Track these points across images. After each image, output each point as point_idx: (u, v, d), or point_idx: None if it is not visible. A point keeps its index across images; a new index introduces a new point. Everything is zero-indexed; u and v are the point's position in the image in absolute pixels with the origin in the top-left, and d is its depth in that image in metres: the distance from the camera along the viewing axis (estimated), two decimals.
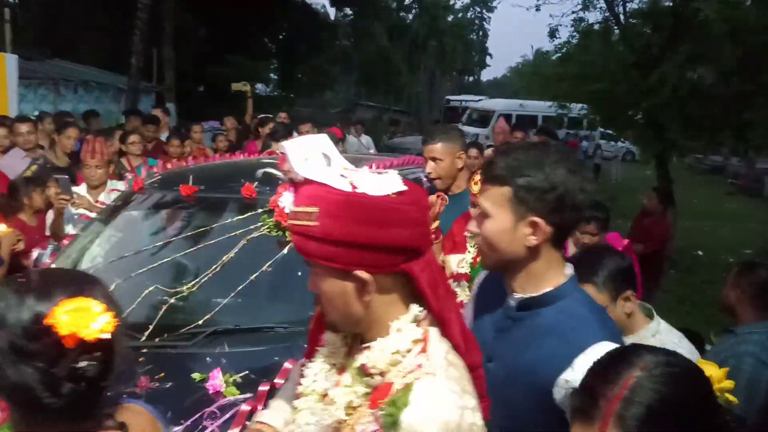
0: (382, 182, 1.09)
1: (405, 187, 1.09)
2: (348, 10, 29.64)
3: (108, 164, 4.01)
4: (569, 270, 1.41)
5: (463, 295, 2.40)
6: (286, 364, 2.08)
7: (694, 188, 14.77)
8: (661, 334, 2.01)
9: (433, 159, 2.95)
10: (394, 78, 31.20)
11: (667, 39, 7.52)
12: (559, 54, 10.37)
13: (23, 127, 4.91)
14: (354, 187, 1.06)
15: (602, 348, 1.15)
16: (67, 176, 3.62)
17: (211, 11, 18.29)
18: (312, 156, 1.13)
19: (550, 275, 1.37)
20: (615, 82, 7.86)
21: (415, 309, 1.11)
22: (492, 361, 1.37)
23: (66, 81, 12.72)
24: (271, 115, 7.48)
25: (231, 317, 2.40)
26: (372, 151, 9.05)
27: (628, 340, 1.81)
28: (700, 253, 8.79)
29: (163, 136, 6.42)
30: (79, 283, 0.99)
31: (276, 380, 2.01)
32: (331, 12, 30.17)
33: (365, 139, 9.57)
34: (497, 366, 1.37)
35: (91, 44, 17.43)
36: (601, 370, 0.99)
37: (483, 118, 20.74)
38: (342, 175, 1.09)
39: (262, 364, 2.14)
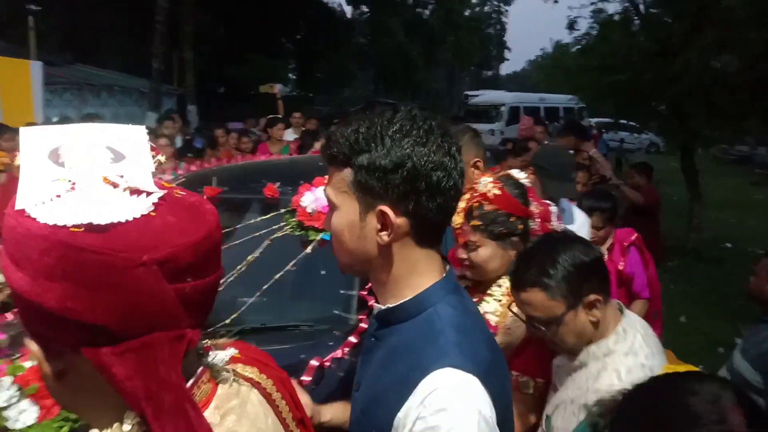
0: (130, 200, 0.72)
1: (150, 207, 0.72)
2: (364, 7, 29.62)
3: None
4: (444, 272, 1.09)
5: None
6: (312, 362, 2.10)
7: (721, 179, 14.50)
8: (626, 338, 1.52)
9: None
10: (412, 74, 31.13)
11: (690, 27, 7.39)
12: (579, 46, 10.25)
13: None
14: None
15: (439, 378, 0.93)
16: None
17: (229, 12, 18.44)
18: (80, 150, 0.76)
19: (414, 281, 1.05)
20: (637, 73, 7.75)
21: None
22: (359, 390, 1.14)
23: (90, 86, 12.94)
24: (280, 116, 7.48)
25: (257, 316, 2.43)
26: None
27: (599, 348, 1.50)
28: (728, 245, 8.63)
29: (177, 140, 6.50)
30: None
31: (303, 378, 2.04)
32: (348, 10, 30.21)
33: None
34: (360, 395, 1.13)
35: (114, 49, 17.71)
36: None
37: (485, 114, 20.29)
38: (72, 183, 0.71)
39: (290, 362, 2.15)
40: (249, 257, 2.64)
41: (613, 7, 15.08)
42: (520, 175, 1.93)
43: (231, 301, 2.49)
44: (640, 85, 7.81)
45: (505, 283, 1.80)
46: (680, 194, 8.96)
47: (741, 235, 9.13)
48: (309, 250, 2.63)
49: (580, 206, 3.01)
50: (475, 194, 1.84)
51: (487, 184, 1.84)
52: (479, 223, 1.80)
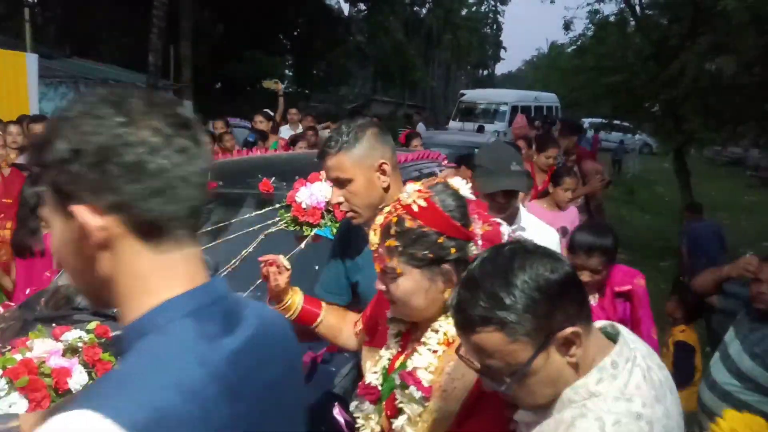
0: None
1: None
2: (362, 5, 29.61)
3: None
4: (198, 282, 0.79)
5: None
6: (304, 358, 2.11)
7: (713, 181, 14.57)
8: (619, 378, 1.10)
9: (337, 180, 1.80)
10: (409, 73, 31.17)
11: (687, 30, 7.43)
12: (574, 46, 10.31)
13: (37, 127, 4.98)
14: None
15: (63, 422, 0.64)
16: None
17: (227, 8, 18.41)
18: None
19: (142, 300, 0.76)
20: (632, 74, 7.79)
21: None
22: None
23: (86, 79, 12.90)
24: (271, 112, 7.39)
25: None
26: None
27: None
28: None
29: None
30: None
31: None
32: (345, 8, 30.19)
33: None
34: None
35: (111, 42, 17.64)
36: None
37: (483, 114, 19.85)
38: None
39: None
40: (243, 252, 2.65)
41: (609, 8, 15.14)
42: (460, 184, 1.43)
43: None
44: (634, 87, 7.86)
45: (443, 327, 1.37)
46: (672, 195, 9.00)
47: (733, 237, 9.18)
48: (303, 245, 2.65)
49: (573, 237, 2.57)
50: (397, 207, 1.38)
51: (412, 193, 1.37)
52: (396, 243, 1.34)
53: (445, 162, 4.09)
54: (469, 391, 1.30)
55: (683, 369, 3.16)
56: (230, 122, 7.86)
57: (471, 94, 22.61)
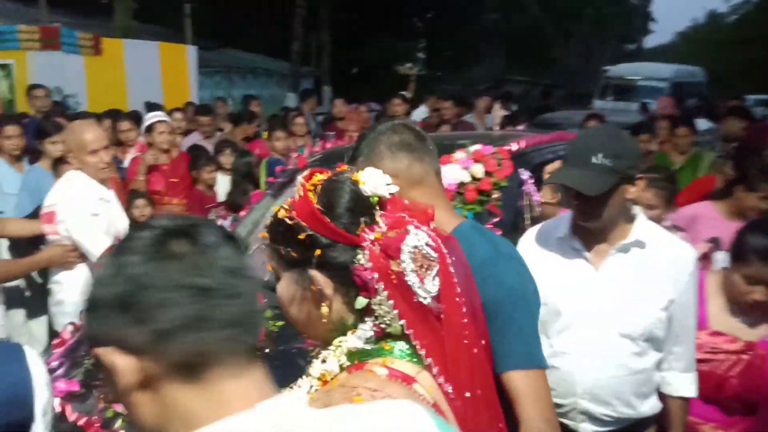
0: None
1: None
2: None
3: None
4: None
5: None
6: None
7: None
8: None
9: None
10: (545, 50, 29.94)
11: None
12: (736, 16, 9.31)
13: (204, 119, 5.70)
14: None
15: None
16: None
17: None
18: None
19: None
20: None
21: None
22: None
23: (237, 68, 13.97)
24: (405, 95, 7.44)
25: None
26: (520, 127, 8.85)
27: None
28: None
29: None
30: None
31: None
32: None
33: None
34: None
35: (257, 33, 18.88)
36: None
37: (631, 91, 17.49)
38: None
39: None
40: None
41: None
42: (368, 177, 1.09)
43: None
44: None
45: (346, 342, 1.04)
46: None
47: None
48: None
49: (742, 240, 1.97)
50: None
51: (299, 179, 1.11)
52: (266, 234, 1.13)
53: None
54: None
55: None
56: (372, 107, 8.15)
57: (619, 69, 20.42)
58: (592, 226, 1.72)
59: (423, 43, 25.94)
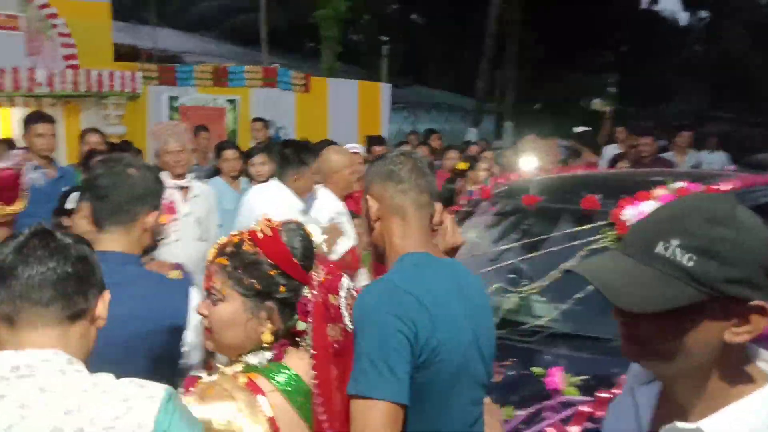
0: None
1: None
2: (703, 13, 26.65)
3: None
4: None
5: None
6: (624, 377, 2.09)
7: None
8: None
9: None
10: (753, 85, 26.74)
11: None
12: None
13: (378, 149, 6.16)
14: None
15: None
16: None
17: (551, 29, 18.67)
18: None
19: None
20: None
21: None
22: None
23: (423, 104, 14.61)
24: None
25: (567, 323, 2.52)
26: (731, 167, 8.07)
27: None
28: None
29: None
30: None
31: (614, 391, 2.05)
32: (682, 17, 27.57)
33: (718, 156, 8.58)
34: None
35: (445, 70, 19.59)
36: None
37: None
38: None
39: (601, 373, 2.19)
40: (562, 265, 2.73)
41: None
42: (314, 230, 1.38)
43: (542, 305, 2.64)
44: None
45: (247, 359, 1.32)
46: None
47: None
48: None
49: None
50: (243, 232, 1.34)
51: (261, 221, 1.35)
52: (227, 262, 1.29)
53: None
54: None
55: None
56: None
57: None
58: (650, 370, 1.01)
59: (614, 77, 24.76)
